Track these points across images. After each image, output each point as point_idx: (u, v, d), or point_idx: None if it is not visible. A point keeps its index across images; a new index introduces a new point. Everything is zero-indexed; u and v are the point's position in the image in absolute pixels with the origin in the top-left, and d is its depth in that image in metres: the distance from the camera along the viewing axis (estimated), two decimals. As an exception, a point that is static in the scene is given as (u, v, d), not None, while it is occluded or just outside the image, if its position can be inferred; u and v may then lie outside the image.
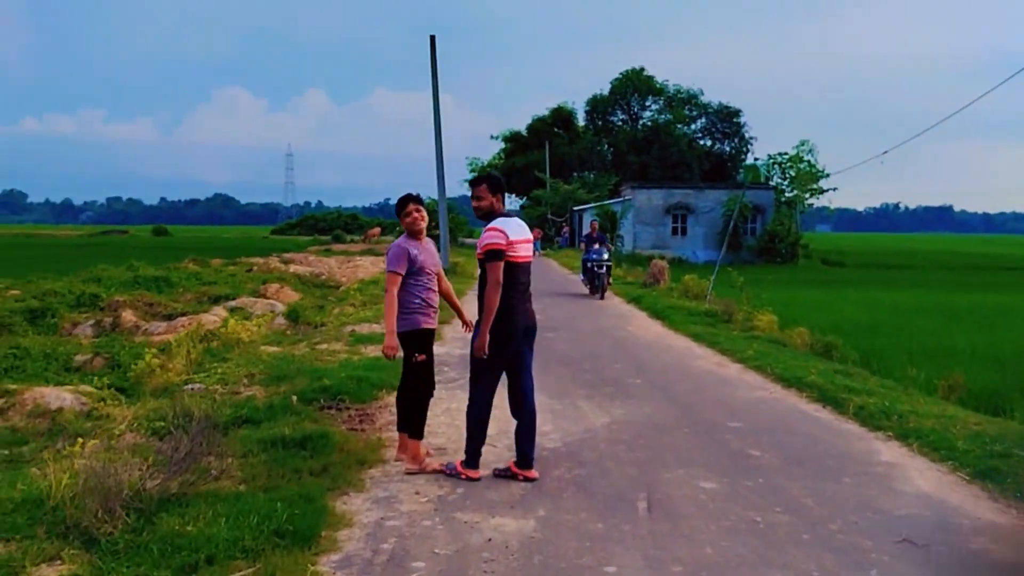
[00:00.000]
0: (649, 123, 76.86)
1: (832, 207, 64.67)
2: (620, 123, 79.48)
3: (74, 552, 4.51)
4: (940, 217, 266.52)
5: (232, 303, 19.54)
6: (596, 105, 79.10)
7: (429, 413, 7.95)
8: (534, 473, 6.06)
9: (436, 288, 6.45)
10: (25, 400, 9.71)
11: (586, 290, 22.28)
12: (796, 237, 52.21)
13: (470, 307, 6.81)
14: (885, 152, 15.76)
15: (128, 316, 17.33)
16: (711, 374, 10.48)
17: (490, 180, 6.20)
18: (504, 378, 6.20)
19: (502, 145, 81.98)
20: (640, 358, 11.59)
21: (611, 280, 22.44)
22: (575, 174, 72.00)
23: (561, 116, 78.63)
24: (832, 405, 8.62)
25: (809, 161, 61.02)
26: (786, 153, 61.41)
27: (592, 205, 58.10)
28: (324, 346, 11.99)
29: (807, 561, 4.59)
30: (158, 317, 18.03)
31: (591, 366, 10.80)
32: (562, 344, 12.69)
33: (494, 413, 6.26)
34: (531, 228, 47.89)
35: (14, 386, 10.23)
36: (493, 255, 5.88)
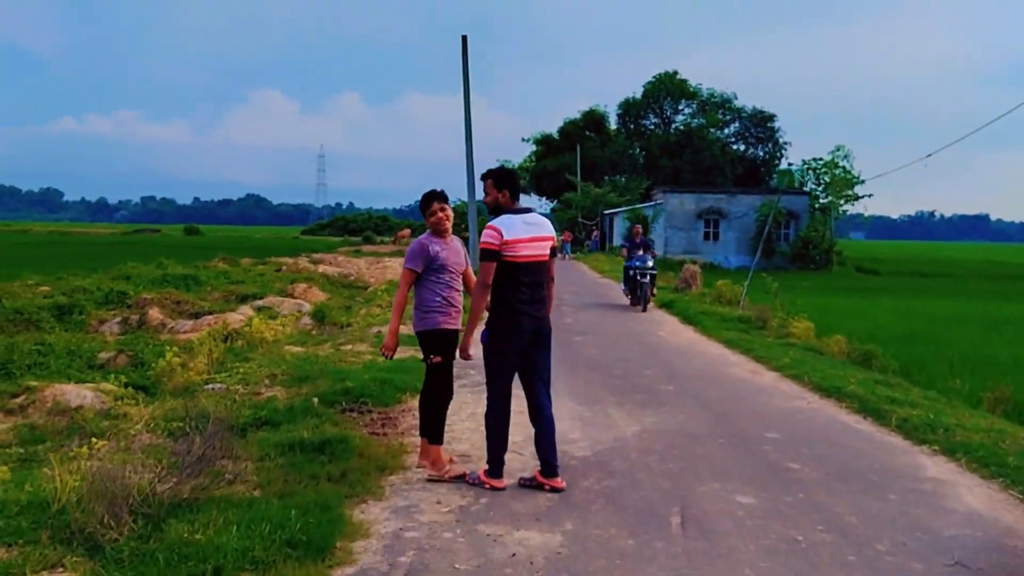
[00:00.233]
0: (682, 127, 76.29)
1: (867, 214, 63.54)
2: (652, 127, 78.94)
3: (77, 559, 4.29)
4: (976, 226, 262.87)
5: (259, 302, 19.44)
6: (628, 108, 78.59)
7: (453, 418, 7.75)
8: (560, 482, 5.77)
9: (460, 288, 6.19)
10: (45, 397, 9.58)
11: (626, 300, 20.02)
12: (830, 244, 51.53)
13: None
14: (928, 155, 15.36)
15: (154, 314, 17.26)
16: (746, 382, 10.14)
17: (496, 174, 5.95)
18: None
19: (533, 148, 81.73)
20: (672, 364, 11.26)
21: (655, 290, 19.90)
22: (606, 177, 71.56)
23: (593, 119, 78.20)
24: (873, 416, 8.26)
25: (844, 167, 60.11)
26: (821, 158, 60.50)
27: (623, 209, 57.67)
28: (348, 347, 11.78)
29: (854, 586, 4.28)
30: (185, 315, 17.96)
31: (621, 371, 10.49)
32: (591, 348, 12.38)
33: (519, 419, 5.98)
34: (560, 231, 47.25)
35: (35, 383, 10.11)
36: (484, 255, 5.67)
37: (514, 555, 4.56)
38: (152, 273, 24.01)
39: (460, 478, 5.89)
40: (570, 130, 77.07)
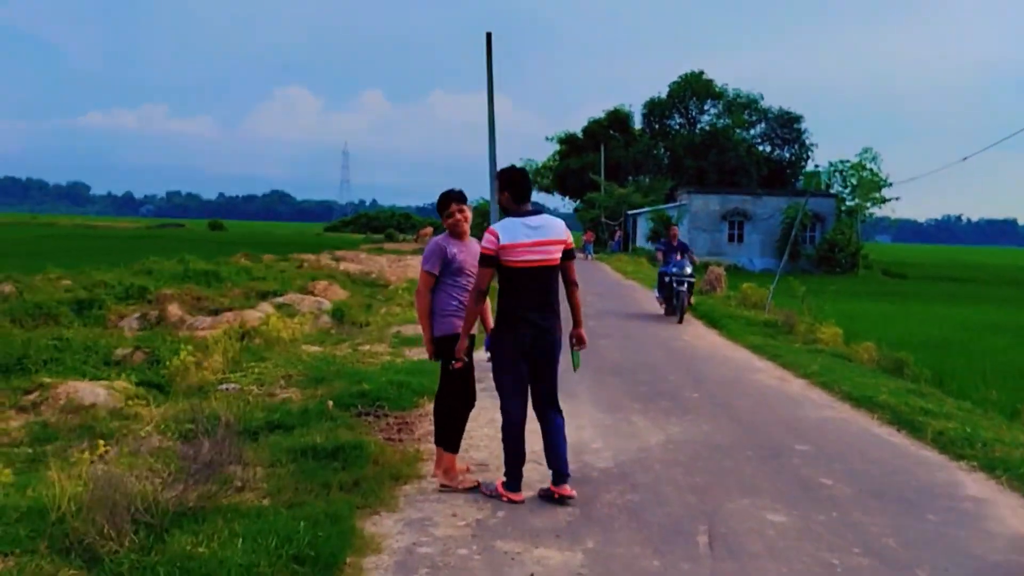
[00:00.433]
0: (707, 127, 75.63)
1: (899, 216, 62.84)
2: (677, 127, 78.32)
3: (74, 572, 4.10)
4: (1004, 230, 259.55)
5: (279, 299, 19.29)
6: (653, 108, 78.02)
7: (472, 424, 7.46)
8: (567, 490, 5.52)
9: None
10: (59, 394, 9.44)
11: (659, 308, 17.96)
12: (857, 247, 50.94)
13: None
14: (965, 159, 15.01)
15: (174, 310, 17.14)
16: (773, 390, 9.85)
17: (500, 175, 5.72)
18: None
19: (557, 147, 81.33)
20: (697, 370, 10.98)
21: (692, 300, 17.68)
22: (630, 177, 71.12)
23: (617, 119, 77.70)
24: (908, 429, 7.95)
25: (872, 169, 59.44)
26: (848, 161, 59.89)
27: (647, 209, 57.27)
28: (367, 347, 11.59)
29: (894, 616, 4.01)
30: (204, 312, 17.84)
31: (645, 377, 10.22)
32: (614, 353, 12.12)
33: (539, 428, 5.75)
34: (583, 231, 46.82)
35: (49, 379, 9.98)
36: (480, 261, 5.49)
37: (532, 575, 4.32)
38: (173, 268, 23.96)
39: (475, 489, 5.66)
40: (594, 129, 76.60)
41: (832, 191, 56.01)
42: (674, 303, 16.52)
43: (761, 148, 76.13)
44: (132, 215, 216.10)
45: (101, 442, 6.36)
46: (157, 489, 4.88)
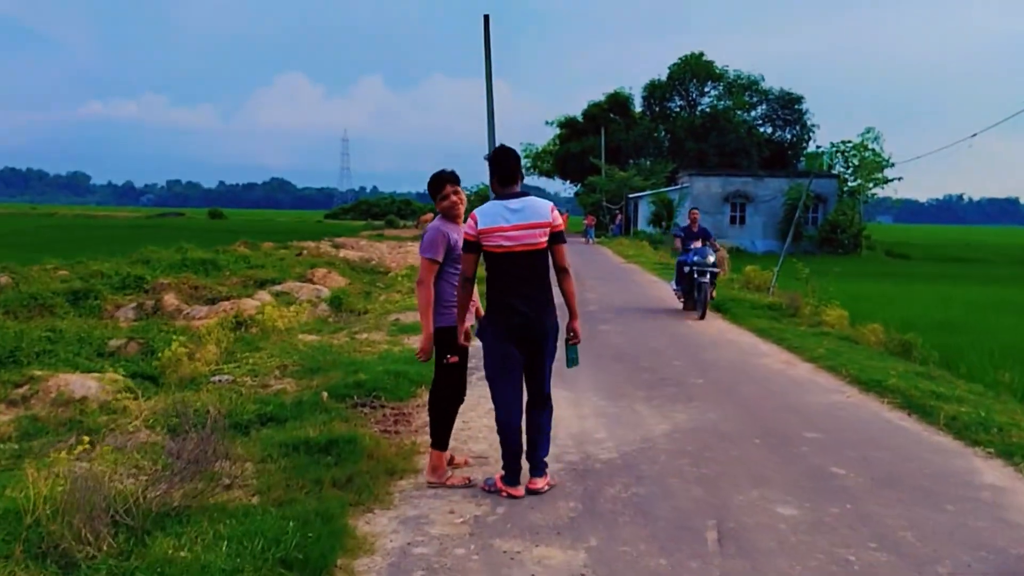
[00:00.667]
0: (708, 109, 75.10)
1: (900, 197, 62.40)
2: (678, 109, 77.80)
3: (49, 579, 3.89)
4: (1006, 209, 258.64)
5: (278, 287, 19.07)
6: (653, 91, 77.48)
7: (471, 414, 7.32)
8: (537, 483, 5.37)
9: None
10: (49, 387, 9.21)
11: (678, 303, 15.99)
12: (859, 228, 50.62)
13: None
14: (975, 135, 14.66)
15: (170, 299, 16.92)
16: (780, 374, 9.62)
17: (489, 158, 5.47)
18: None
19: (557, 131, 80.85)
20: (701, 355, 10.75)
21: (715, 293, 15.46)
22: (631, 161, 70.69)
23: (617, 102, 77.18)
24: (919, 413, 7.72)
25: (874, 150, 59.03)
26: (850, 141, 59.45)
27: (648, 192, 56.95)
28: (364, 335, 11.36)
29: (915, 616, 3.79)
30: (201, 301, 17.62)
31: (648, 363, 9.99)
32: (617, 338, 11.89)
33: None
34: (584, 215, 46.51)
35: (40, 372, 9.76)
36: (463, 246, 5.29)
37: (533, 576, 4.11)
38: (171, 257, 23.71)
39: (468, 485, 5.43)
40: (594, 113, 76.09)
41: (834, 172, 55.65)
42: (695, 296, 14.77)
43: (762, 129, 75.63)
44: (133, 204, 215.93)
45: (86, 438, 6.15)
46: (140, 488, 4.66)
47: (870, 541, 4.61)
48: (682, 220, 50.82)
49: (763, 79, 76.07)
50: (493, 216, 5.21)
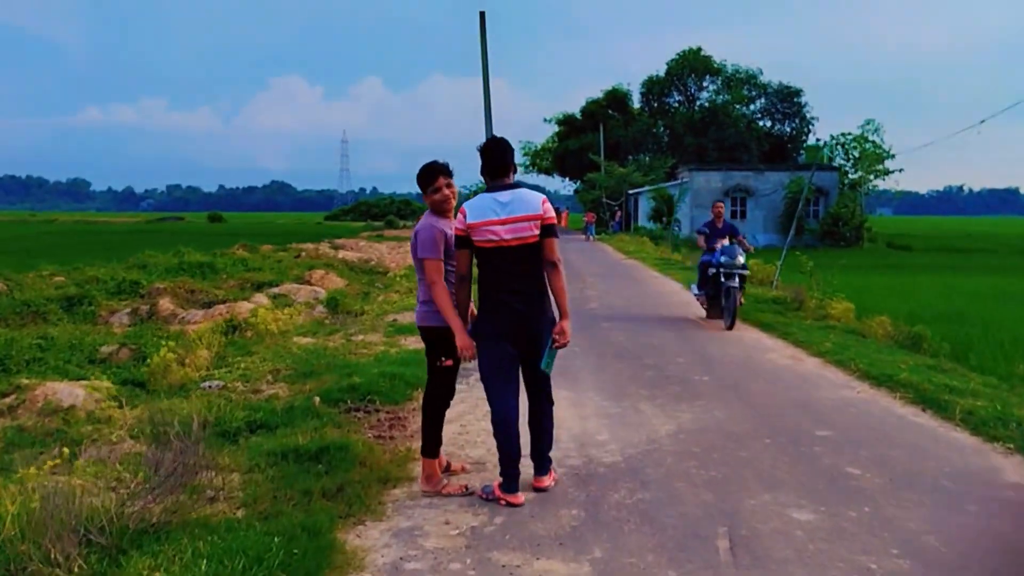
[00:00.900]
0: (706, 104, 74.83)
1: (900, 189, 61.99)
2: (676, 104, 77.54)
3: (14, 605, 3.63)
4: (1006, 200, 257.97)
5: (275, 290, 18.82)
6: (652, 87, 77.25)
7: (469, 417, 7.07)
8: (543, 481, 5.24)
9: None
10: (36, 396, 8.95)
11: (700, 310, 14.11)
12: (861, 220, 50.31)
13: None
14: (983, 121, 14.45)
15: (165, 304, 16.65)
16: (787, 370, 9.34)
17: (480, 149, 5.19)
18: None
19: (555, 128, 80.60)
20: (706, 351, 10.47)
21: (743, 298, 13.38)
22: (630, 157, 70.41)
23: (616, 98, 76.95)
24: (933, 408, 7.44)
25: (874, 141, 58.68)
26: (850, 133, 59.07)
27: (648, 188, 56.66)
28: (360, 337, 11.09)
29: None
30: (198, 304, 17.37)
31: (652, 360, 9.72)
32: (618, 334, 11.61)
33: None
34: (585, 212, 46.24)
35: (27, 381, 9.50)
36: (455, 242, 5.04)
37: (533, 592, 3.84)
38: (168, 262, 23.47)
39: (465, 493, 5.17)
40: (593, 109, 75.87)
41: (834, 164, 55.32)
42: (722, 303, 12.69)
43: (761, 123, 75.41)
44: (133, 210, 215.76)
45: (66, 450, 5.90)
46: (117, 504, 4.41)
47: (892, 547, 4.33)
48: (683, 216, 50.69)
49: (761, 73, 75.96)
50: (482, 209, 4.97)
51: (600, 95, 77.53)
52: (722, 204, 14.55)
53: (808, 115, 75.18)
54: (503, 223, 4.91)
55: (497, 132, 27.58)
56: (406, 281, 19.44)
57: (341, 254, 31.14)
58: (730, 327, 12.29)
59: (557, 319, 5.12)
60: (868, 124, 58.23)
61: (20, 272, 20.86)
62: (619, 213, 60.38)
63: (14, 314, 15.30)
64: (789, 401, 7.74)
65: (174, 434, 5.56)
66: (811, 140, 72.60)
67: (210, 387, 8.16)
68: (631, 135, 72.44)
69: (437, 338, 5.14)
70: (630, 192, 61.16)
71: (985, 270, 29.79)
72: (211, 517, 4.61)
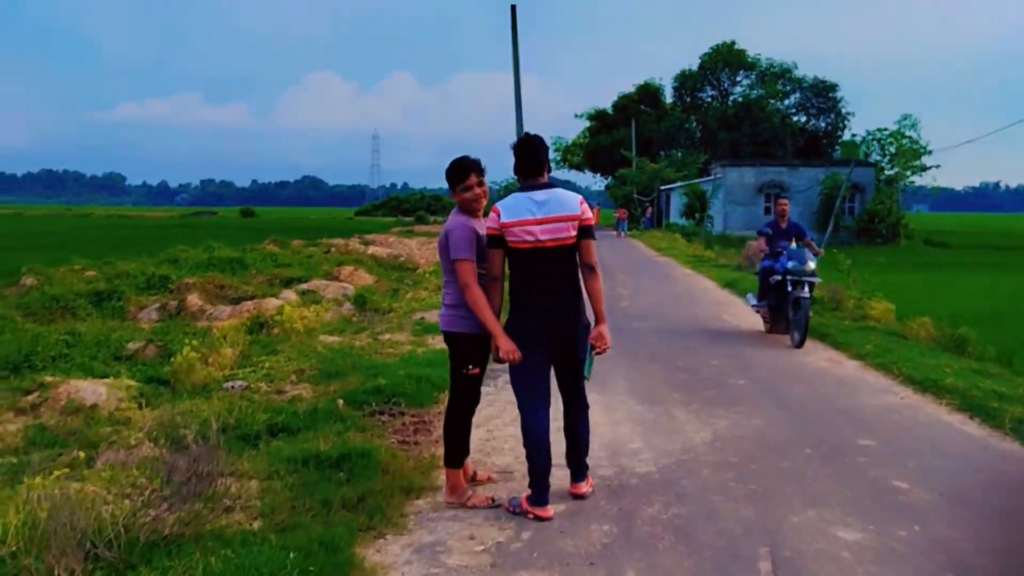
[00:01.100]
0: (740, 99, 74.00)
1: (937, 185, 60.89)
2: (709, 99, 76.77)
3: (15, 624, 3.45)
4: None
5: (304, 286, 18.74)
6: (684, 81, 76.53)
7: (496, 422, 6.85)
8: (580, 488, 5.08)
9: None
10: (59, 394, 8.84)
11: (756, 322, 12.47)
12: (898, 217, 49.55)
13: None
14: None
15: (194, 299, 16.60)
16: (826, 373, 9.03)
17: (514, 147, 4.97)
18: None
19: (586, 123, 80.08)
20: (741, 353, 10.17)
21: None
22: (662, 152, 69.83)
23: (648, 93, 76.29)
24: (982, 416, 7.10)
25: (911, 137, 57.73)
26: (886, 129, 58.16)
27: (680, 184, 56.13)
28: (387, 336, 10.91)
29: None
30: (226, 300, 17.31)
31: (685, 363, 9.45)
32: (651, 335, 11.33)
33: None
34: (616, 208, 45.93)
35: (51, 378, 9.41)
36: (487, 242, 4.83)
37: (562, 617, 3.61)
38: (199, 257, 23.47)
39: (491, 505, 4.93)
40: (624, 104, 75.26)
41: (870, 160, 54.50)
42: (789, 316, 10.97)
43: (796, 118, 74.43)
44: (167, 204, 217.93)
45: (82, 454, 5.75)
46: (129, 514, 4.22)
47: (947, 572, 4.05)
48: (716, 212, 50.12)
49: (796, 67, 74.87)
50: (517, 209, 4.76)
51: (632, 90, 76.89)
52: (787, 201, 12.76)
53: (844, 110, 74.16)
54: (539, 223, 4.71)
55: (528, 127, 27.31)
56: (435, 278, 19.24)
57: (371, 250, 31.05)
58: (799, 344, 10.52)
59: (592, 323, 4.90)
60: (905, 119, 57.28)
61: (52, 266, 20.94)
62: (650, 209, 59.89)
63: (43, 309, 15.30)
64: (829, 407, 7.44)
65: (192, 439, 5.40)
66: (846, 135, 71.54)
67: (233, 387, 8.00)
68: (663, 130, 71.82)
69: (464, 345, 4.90)
70: (662, 188, 60.64)
71: (1025, 268, 29.10)
72: (226, 529, 4.42)
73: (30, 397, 9.02)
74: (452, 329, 4.93)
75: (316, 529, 4.38)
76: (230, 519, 4.62)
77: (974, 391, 7.76)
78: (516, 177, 4.97)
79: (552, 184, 4.87)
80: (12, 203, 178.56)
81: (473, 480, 5.32)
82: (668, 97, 77.33)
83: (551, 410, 4.94)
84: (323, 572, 3.84)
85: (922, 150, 55.62)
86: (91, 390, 8.81)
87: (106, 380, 9.18)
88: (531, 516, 4.74)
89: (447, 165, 4.99)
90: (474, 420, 5.26)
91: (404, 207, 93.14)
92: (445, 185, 5.04)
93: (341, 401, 7.00)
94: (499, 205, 4.82)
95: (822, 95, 74.06)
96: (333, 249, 30.57)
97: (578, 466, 5.10)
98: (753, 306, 12.19)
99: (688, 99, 76.70)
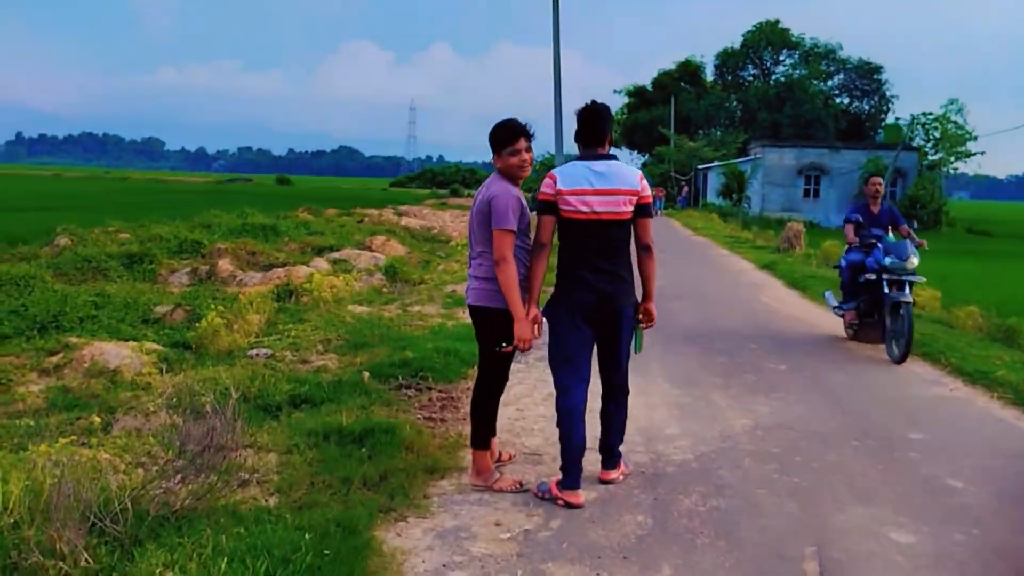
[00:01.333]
0: (782, 79, 72.73)
1: (980, 172, 59.49)
2: (751, 78, 75.55)
3: (11, 601, 3.25)
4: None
5: (336, 255, 18.57)
6: (726, 59, 75.36)
7: (526, 400, 6.60)
8: (610, 474, 4.84)
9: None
10: (83, 356, 8.71)
11: (839, 327, 10.24)
12: (940, 203, 48.50)
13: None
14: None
15: (224, 265, 16.46)
16: (870, 361, 8.66)
17: (578, 113, 4.70)
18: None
19: (625, 100, 79.19)
20: (781, 337, 9.83)
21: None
22: (701, 131, 68.89)
23: (688, 70, 75.30)
24: (1038, 413, 6.74)
25: (956, 122, 56.41)
26: (931, 113, 56.85)
27: (718, 164, 55.36)
28: (417, 308, 10.68)
29: None
30: (258, 267, 17.18)
31: (723, 345, 9.12)
32: (688, 316, 11.02)
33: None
34: (653, 187, 45.58)
35: (76, 340, 9.28)
36: (538, 207, 4.57)
37: (592, 616, 3.35)
38: (232, 222, 23.36)
39: (519, 489, 4.67)
40: (664, 82, 74.34)
41: (913, 145, 53.36)
42: (887, 325, 8.83)
43: (839, 100, 73.10)
44: (204, 170, 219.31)
45: (96, 419, 5.57)
46: (140, 485, 4.02)
47: (1010, 582, 3.75)
48: (754, 193, 49.33)
49: (841, 47, 73.43)
50: (575, 177, 4.50)
51: (672, 67, 75.95)
52: (880, 180, 10.18)
53: (888, 92, 72.70)
54: (597, 194, 4.46)
55: (566, 102, 26.88)
56: (467, 250, 18.98)
57: (404, 221, 30.86)
58: (900, 360, 8.46)
59: (639, 300, 4.70)
60: (951, 104, 55.93)
61: (87, 228, 20.92)
62: (686, 188, 59.18)
63: (75, 269, 15.24)
64: (875, 397, 7.10)
65: (210, 407, 5.19)
66: (890, 119, 70.17)
67: (257, 355, 7.80)
68: (703, 109, 70.85)
69: (498, 320, 4.59)
70: (699, 167, 59.87)
71: (1074, 260, 28.31)
72: (241, 504, 4.21)
73: (54, 358, 8.90)
74: (487, 304, 4.63)
75: (334, 509, 4.16)
76: (245, 494, 4.41)
77: (1028, 385, 7.38)
78: (576, 144, 4.72)
79: (612, 156, 4.62)
80: (52, 165, 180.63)
81: (496, 460, 5.06)
82: (709, 75, 76.33)
83: (588, 392, 4.67)
84: (339, 557, 3.61)
85: (968, 136, 54.37)
86: (115, 353, 8.66)
87: (131, 343, 9.04)
88: (560, 502, 4.48)
89: (494, 127, 4.68)
90: (503, 398, 5.01)
91: (439, 179, 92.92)
92: (481, 159, 4.85)
93: (367, 373, 6.78)
94: (555, 172, 4.59)
95: (866, 77, 72.63)
96: (366, 219, 30.42)
97: (611, 453, 4.85)
98: (834, 308, 10.20)
99: (729, 77, 75.59)
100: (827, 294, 10.87)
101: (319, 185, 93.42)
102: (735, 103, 73.52)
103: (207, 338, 8.29)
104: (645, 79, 79.68)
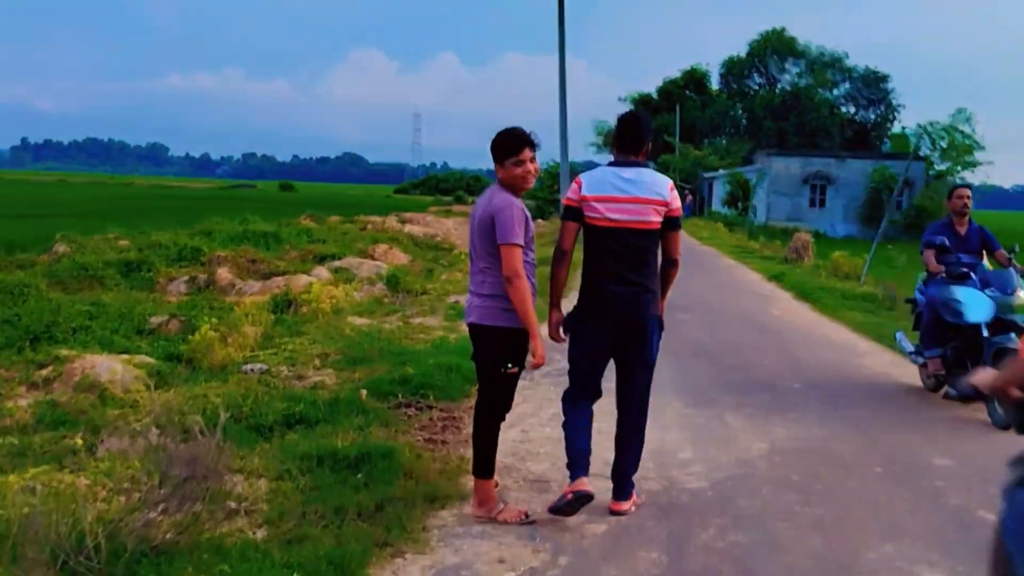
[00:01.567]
0: (788, 87, 72.49)
1: (989, 182, 59.16)
2: (756, 87, 75.30)
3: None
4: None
5: (337, 263, 18.30)
6: (732, 67, 75.13)
7: (531, 420, 6.32)
8: (622, 505, 4.52)
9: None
10: (74, 369, 8.43)
11: (914, 375, 8.20)
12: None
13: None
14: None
15: (224, 273, 16.22)
16: (887, 379, 8.38)
17: (618, 120, 4.56)
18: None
19: (630, 108, 79.01)
20: (794, 353, 9.54)
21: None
22: (706, 140, 68.64)
23: (693, 78, 75.07)
24: (1067, 436, 6.43)
25: (964, 131, 56.10)
26: (938, 122, 56.53)
27: (723, 172, 55.11)
28: (419, 320, 10.40)
29: None
30: (258, 275, 16.93)
31: (735, 361, 8.84)
32: (696, 330, 10.73)
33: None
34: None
35: (66, 352, 9.00)
36: (563, 212, 4.44)
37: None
38: (233, 229, 23.12)
39: (524, 521, 4.37)
40: (669, 90, 74.12)
41: (920, 154, 53.08)
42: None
43: (845, 109, 72.81)
44: (208, 176, 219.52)
45: (80, 441, 5.30)
46: (117, 518, 3.74)
47: (1058, 631, 3.44)
48: (760, 202, 49.04)
49: (847, 56, 73.12)
50: (602, 183, 4.35)
51: (678, 75, 75.72)
52: (968, 192, 8.39)
53: (894, 102, 72.43)
54: (625, 202, 4.30)
55: (571, 110, 26.69)
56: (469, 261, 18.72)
57: (407, 228, 30.60)
58: (1007, 426, 6.00)
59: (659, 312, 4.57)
60: (959, 113, 55.64)
61: (87, 235, 20.70)
62: (689, 197, 58.95)
63: (71, 278, 15.00)
64: (896, 419, 6.80)
65: (198, 430, 4.91)
66: (896, 128, 69.90)
67: (252, 370, 7.53)
68: (708, 117, 70.63)
69: (506, 340, 4.33)
70: (704, 176, 59.62)
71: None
72: (226, 537, 3.93)
73: (44, 371, 8.63)
74: (493, 323, 4.35)
75: (326, 543, 3.88)
76: (232, 525, 4.14)
77: (1054, 406, 7.06)
78: (611, 151, 4.61)
79: (643, 164, 4.45)
80: (57, 170, 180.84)
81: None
82: (714, 83, 76.09)
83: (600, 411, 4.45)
84: (329, 599, 3.33)
85: (975, 145, 54.07)
86: (107, 366, 8.37)
87: (123, 356, 8.77)
88: (569, 496, 4.25)
89: (496, 136, 4.40)
90: (507, 417, 4.73)
91: (443, 187, 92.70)
92: (485, 165, 4.54)
93: (364, 392, 6.50)
94: (582, 177, 4.44)
95: (872, 86, 72.34)
96: (369, 226, 30.16)
97: (623, 482, 4.56)
98: (911, 355, 8.21)
99: (735, 86, 75.36)
100: (898, 335, 8.87)
101: (322, 191, 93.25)
102: (740, 111, 73.30)
103: (201, 352, 8.03)
104: (650, 87, 79.63)
